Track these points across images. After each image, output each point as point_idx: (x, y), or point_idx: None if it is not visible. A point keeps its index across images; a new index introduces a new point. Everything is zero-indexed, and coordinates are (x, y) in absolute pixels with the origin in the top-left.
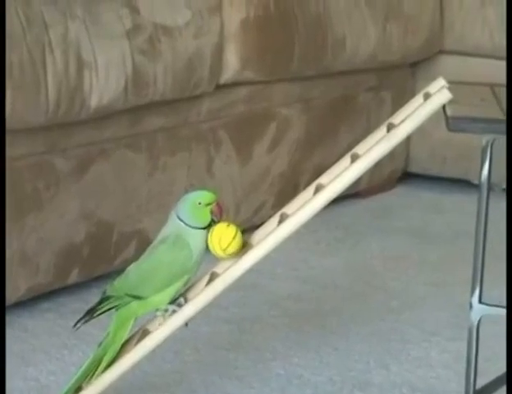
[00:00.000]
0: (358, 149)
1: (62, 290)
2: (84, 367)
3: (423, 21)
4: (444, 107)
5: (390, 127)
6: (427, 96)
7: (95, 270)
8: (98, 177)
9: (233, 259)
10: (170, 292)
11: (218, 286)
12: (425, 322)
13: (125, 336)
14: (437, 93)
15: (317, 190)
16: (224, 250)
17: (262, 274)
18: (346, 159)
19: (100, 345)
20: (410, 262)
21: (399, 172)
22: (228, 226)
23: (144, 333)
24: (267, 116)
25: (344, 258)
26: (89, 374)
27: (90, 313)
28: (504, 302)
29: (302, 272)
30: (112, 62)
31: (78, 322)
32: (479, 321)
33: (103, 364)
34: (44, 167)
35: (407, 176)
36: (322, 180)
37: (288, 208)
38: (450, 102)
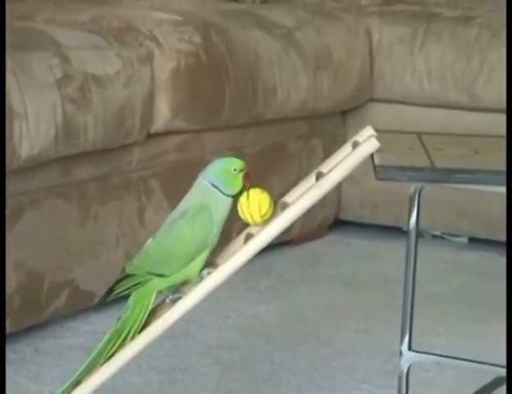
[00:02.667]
0: (288, 198)
1: None
2: (101, 343)
3: (353, 70)
4: (372, 155)
5: (318, 176)
6: (355, 145)
7: (26, 320)
8: (29, 227)
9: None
10: (191, 268)
11: (150, 334)
12: (356, 369)
13: (144, 312)
14: (365, 142)
15: (248, 238)
16: (262, 216)
17: (193, 323)
18: (276, 208)
19: (119, 320)
20: (341, 309)
21: (330, 220)
22: (262, 192)
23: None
24: (199, 165)
25: (275, 306)
26: (109, 348)
27: (110, 292)
28: (433, 349)
29: (233, 320)
30: (42, 112)
31: (101, 299)
32: (409, 368)
33: (126, 336)
34: None
35: (338, 224)
36: (252, 229)
37: (219, 257)
38: (378, 150)
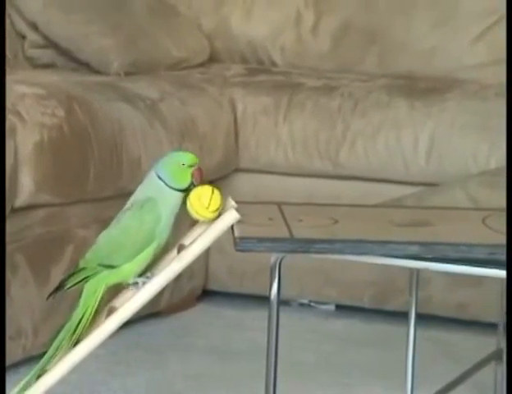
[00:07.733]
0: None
1: None
2: (55, 342)
3: (218, 140)
4: (232, 227)
5: (180, 248)
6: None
7: None
8: None
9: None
10: (140, 260)
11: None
12: None
13: (94, 305)
14: (225, 214)
15: (110, 312)
16: (213, 212)
17: None
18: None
19: (69, 320)
20: (210, 379)
21: (199, 290)
22: (213, 189)
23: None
24: (64, 238)
25: (144, 379)
26: (60, 347)
27: (62, 286)
28: None
29: None
30: None
31: (50, 294)
32: None
33: (74, 331)
34: None
35: (207, 294)
36: (115, 302)
37: (82, 333)
38: (239, 222)
